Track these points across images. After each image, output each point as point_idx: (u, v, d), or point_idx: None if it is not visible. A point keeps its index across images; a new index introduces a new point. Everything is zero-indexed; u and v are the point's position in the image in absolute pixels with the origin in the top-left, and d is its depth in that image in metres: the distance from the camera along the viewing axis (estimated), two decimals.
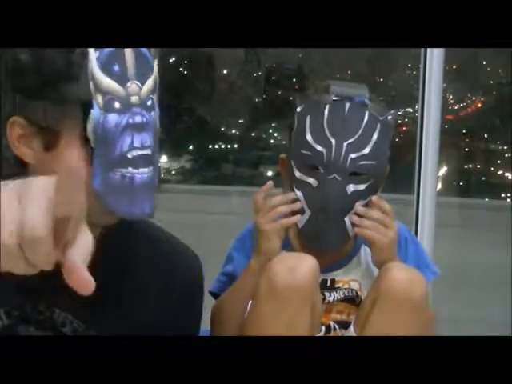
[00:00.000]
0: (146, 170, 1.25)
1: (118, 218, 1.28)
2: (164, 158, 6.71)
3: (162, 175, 6.59)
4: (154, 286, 1.39)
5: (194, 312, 1.45)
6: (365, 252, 1.72)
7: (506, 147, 6.59)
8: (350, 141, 1.60)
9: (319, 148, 1.61)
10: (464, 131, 6.74)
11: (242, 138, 6.98)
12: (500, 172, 6.73)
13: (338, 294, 1.70)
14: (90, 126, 1.21)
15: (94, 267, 1.34)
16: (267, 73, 6.81)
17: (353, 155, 1.60)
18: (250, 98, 6.92)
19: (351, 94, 1.63)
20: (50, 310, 1.34)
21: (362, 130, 1.61)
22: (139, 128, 1.25)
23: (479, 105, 7.04)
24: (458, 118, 6.84)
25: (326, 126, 1.61)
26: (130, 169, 1.23)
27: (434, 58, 2.59)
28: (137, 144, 1.24)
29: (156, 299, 1.38)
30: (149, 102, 1.28)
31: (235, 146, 7.11)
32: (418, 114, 2.68)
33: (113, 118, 1.22)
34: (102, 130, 1.22)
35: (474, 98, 7.02)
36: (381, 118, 1.63)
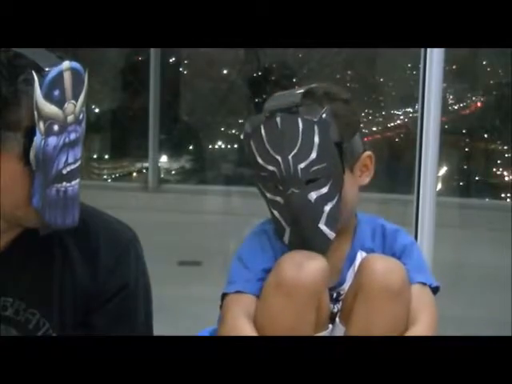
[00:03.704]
0: (76, 181, 1.34)
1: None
2: (164, 158, 6.69)
3: (162, 175, 6.58)
4: (82, 259, 1.42)
5: (128, 278, 1.45)
6: (361, 258, 1.72)
7: (506, 147, 6.58)
8: (293, 153, 1.58)
9: (270, 168, 1.61)
10: (464, 131, 6.73)
11: (242, 138, 6.97)
12: (500, 172, 6.72)
13: (341, 304, 1.72)
14: (32, 153, 1.28)
15: (25, 244, 1.39)
16: (267, 73, 6.79)
17: (301, 165, 1.59)
18: (250, 98, 6.90)
19: (280, 106, 1.60)
20: None
21: (300, 138, 1.58)
22: (73, 144, 1.32)
23: (479, 105, 7.03)
24: (457, 118, 6.83)
25: (268, 146, 1.60)
26: (64, 183, 1.33)
27: (434, 58, 2.59)
28: (71, 160, 1.33)
29: (85, 269, 1.42)
30: (81, 116, 1.34)
31: (235, 146, 7.10)
32: (418, 114, 2.67)
33: (52, 140, 1.29)
34: (43, 154, 1.29)
35: (474, 98, 7.01)
36: (315, 120, 1.59)
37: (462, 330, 1.74)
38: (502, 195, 6.38)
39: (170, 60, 6.86)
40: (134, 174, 6.99)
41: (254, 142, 1.63)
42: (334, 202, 1.63)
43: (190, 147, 7.09)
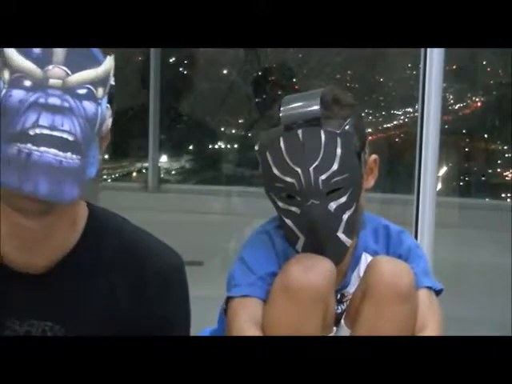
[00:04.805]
0: (51, 150, 1.22)
1: (39, 203, 1.25)
2: (164, 158, 6.70)
3: (162, 175, 6.58)
4: (126, 286, 1.38)
5: (172, 309, 1.42)
6: (365, 260, 1.72)
7: (506, 147, 6.58)
8: (314, 165, 1.58)
9: (288, 179, 1.59)
10: (464, 131, 6.73)
11: (241, 137, 6.97)
12: (500, 172, 6.72)
13: (345, 305, 1.72)
14: None
15: (68, 266, 1.35)
16: (267, 73, 6.79)
17: (323, 177, 1.58)
18: (250, 98, 6.90)
19: (300, 119, 1.58)
20: (27, 322, 1.35)
21: (322, 150, 1.57)
22: (52, 109, 1.23)
23: (479, 105, 7.03)
24: (457, 118, 6.83)
25: (287, 158, 1.59)
26: (29, 145, 1.21)
27: (434, 58, 2.59)
28: (43, 123, 1.22)
29: (128, 297, 1.38)
30: (81, 91, 1.26)
31: (235, 146, 7.10)
32: (418, 114, 2.67)
33: (18, 93, 1.23)
34: (3, 104, 1.23)
35: (474, 98, 7.01)
36: (338, 132, 1.58)
37: (462, 330, 1.74)
38: (502, 195, 6.38)
39: (170, 60, 6.86)
40: (134, 174, 7.00)
41: (271, 154, 1.61)
42: (352, 209, 1.62)
43: (190, 147, 7.10)
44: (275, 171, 1.61)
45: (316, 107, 1.59)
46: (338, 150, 1.58)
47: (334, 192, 1.60)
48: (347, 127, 1.59)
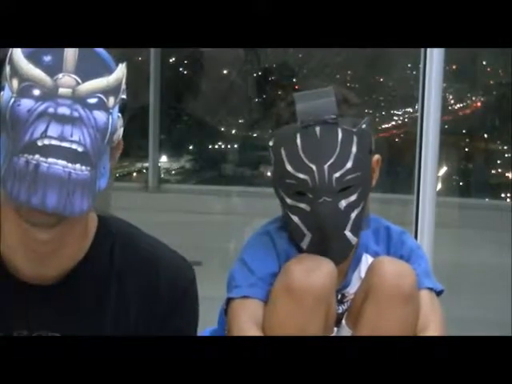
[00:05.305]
0: (60, 162, 1.19)
1: (49, 216, 1.22)
2: (164, 158, 6.70)
3: (162, 175, 6.58)
4: (138, 294, 1.37)
5: (184, 321, 1.42)
6: (366, 260, 1.72)
7: (506, 147, 6.58)
8: (329, 162, 1.58)
9: (302, 176, 1.59)
10: (464, 131, 6.73)
11: (242, 137, 6.97)
12: (500, 172, 6.72)
13: (346, 306, 1.72)
14: None
15: (79, 276, 1.34)
16: (267, 73, 6.80)
17: (337, 174, 1.58)
18: (250, 98, 6.90)
19: (319, 117, 1.59)
20: (37, 334, 1.33)
21: (338, 148, 1.58)
22: (62, 119, 1.20)
23: (479, 105, 7.03)
24: (457, 118, 6.83)
25: (302, 154, 1.59)
26: (37, 156, 1.18)
27: (434, 58, 2.59)
28: (52, 133, 1.19)
29: (140, 308, 1.37)
30: (91, 100, 1.23)
31: (235, 146, 7.10)
32: (418, 114, 2.68)
33: (26, 103, 1.20)
34: (11, 114, 1.20)
35: (474, 98, 7.01)
36: (355, 130, 1.60)
37: (462, 331, 1.74)
38: (502, 195, 6.38)
39: (170, 60, 6.87)
40: (134, 174, 7.00)
41: (286, 150, 1.61)
42: (360, 208, 1.63)
43: (190, 147, 7.11)
44: (288, 167, 1.61)
45: (334, 104, 1.60)
46: (353, 148, 1.59)
47: (346, 190, 1.61)
48: (364, 126, 1.61)
